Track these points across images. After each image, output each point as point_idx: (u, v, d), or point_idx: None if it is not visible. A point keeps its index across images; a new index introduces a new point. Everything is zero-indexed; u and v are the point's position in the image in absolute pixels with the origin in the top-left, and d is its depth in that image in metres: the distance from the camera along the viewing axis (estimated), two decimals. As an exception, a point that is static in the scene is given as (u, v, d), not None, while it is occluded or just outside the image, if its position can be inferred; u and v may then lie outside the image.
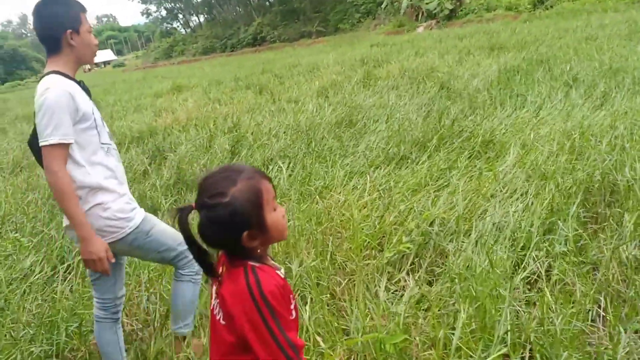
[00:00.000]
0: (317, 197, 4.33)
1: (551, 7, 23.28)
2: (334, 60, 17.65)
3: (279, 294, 1.35)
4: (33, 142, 2.15)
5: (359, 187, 4.61)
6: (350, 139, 6.48)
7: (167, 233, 2.42)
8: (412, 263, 3.15)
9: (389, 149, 5.68)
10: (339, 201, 4.13)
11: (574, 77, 7.22)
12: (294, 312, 1.41)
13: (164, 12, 75.32)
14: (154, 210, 4.42)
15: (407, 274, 3.05)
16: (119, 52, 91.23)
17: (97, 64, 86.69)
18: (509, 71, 8.99)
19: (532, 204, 3.47)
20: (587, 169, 3.85)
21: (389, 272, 3.11)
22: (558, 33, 13.86)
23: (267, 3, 59.73)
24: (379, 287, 2.81)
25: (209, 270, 1.43)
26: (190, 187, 4.75)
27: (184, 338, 2.63)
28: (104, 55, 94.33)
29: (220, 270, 1.44)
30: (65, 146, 2.07)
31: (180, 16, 77.27)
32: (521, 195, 3.76)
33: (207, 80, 17.97)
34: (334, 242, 3.44)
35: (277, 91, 12.05)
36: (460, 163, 4.86)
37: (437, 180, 4.69)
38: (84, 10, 2.23)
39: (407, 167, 5.18)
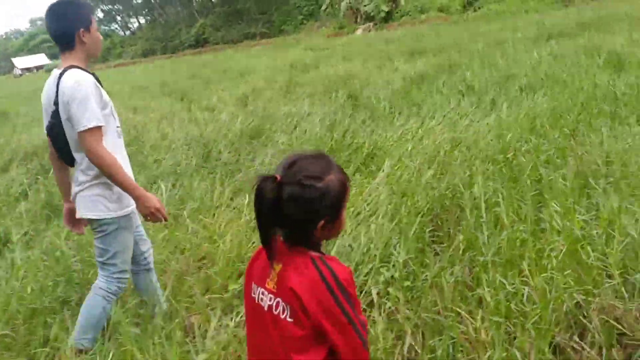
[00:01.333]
0: (188, 220, 4.24)
1: (479, 8, 23.92)
2: (266, 64, 17.60)
3: (352, 279, 1.40)
4: (54, 129, 2.47)
5: (239, 207, 4.55)
6: (249, 152, 6.44)
7: (130, 244, 2.67)
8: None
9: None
10: (209, 225, 4.04)
11: (469, 85, 7.41)
12: None
13: (100, 14, 73.09)
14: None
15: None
16: (54, 57, 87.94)
17: (28, 69, 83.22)
18: (418, 78, 9.16)
19: (382, 224, 3.51)
20: (447, 186, 3.93)
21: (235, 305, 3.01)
22: (474, 37, 14.23)
23: (210, 3, 58.94)
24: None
25: (270, 250, 1.41)
26: (58, 214, 4.57)
27: (81, 351, 2.62)
28: (37, 59, 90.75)
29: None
30: (100, 128, 2.37)
31: (119, 18, 75.37)
32: (381, 215, 3.79)
33: (132, 85, 17.53)
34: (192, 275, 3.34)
35: (197, 98, 11.88)
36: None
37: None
38: (92, 10, 2.57)
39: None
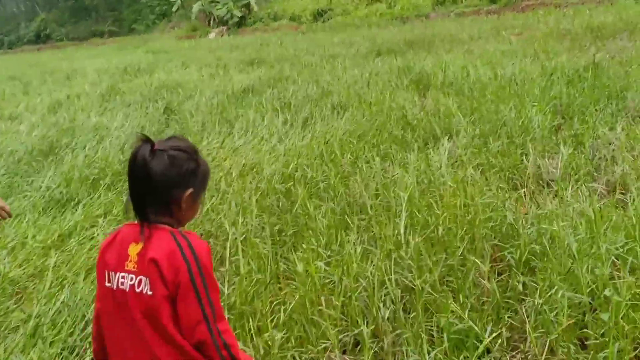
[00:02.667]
0: None
1: (328, 19, 24.52)
2: (99, 67, 16.36)
3: (209, 253, 1.50)
4: None
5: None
6: (32, 174, 5.71)
7: None
8: None
9: (60, 189, 5.06)
10: None
11: (285, 102, 7.31)
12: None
13: None
14: None
15: None
16: None
17: None
18: (244, 91, 8.92)
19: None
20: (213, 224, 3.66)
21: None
22: (315, 49, 14.42)
23: (55, -3, 54.16)
24: None
25: (142, 225, 1.48)
26: None
27: None
28: None
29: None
30: None
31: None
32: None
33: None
34: None
35: (5, 105, 10.58)
36: (118, 207, 4.43)
37: (85, 231, 4.21)
38: None
39: (73, 210, 4.63)
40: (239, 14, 29.61)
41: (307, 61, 12.15)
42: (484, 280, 2.78)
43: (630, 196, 3.79)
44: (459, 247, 3.02)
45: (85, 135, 7.07)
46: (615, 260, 2.78)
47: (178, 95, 9.28)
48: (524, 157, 4.55)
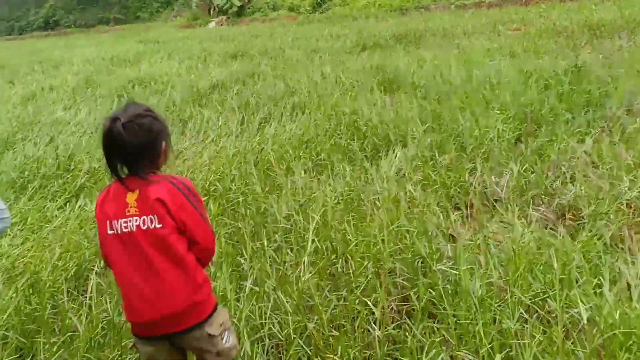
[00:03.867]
0: None
1: (327, 10, 23.98)
2: (89, 56, 16.07)
3: (191, 182, 1.97)
4: None
5: None
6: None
7: None
8: None
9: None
10: None
11: (245, 101, 6.92)
12: None
13: None
14: None
15: None
16: None
17: None
18: (211, 87, 8.54)
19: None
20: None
21: None
22: (300, 41, 13.99)
23: (63, -17, 53.87)
24: None
25: (122, 180, 1.85)
26: None
27: None
28: None
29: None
30: None
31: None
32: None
33: None
34: None
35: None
36: (50, 212, 4.09)
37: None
38: None
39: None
40: (239, 4, 29.14)
41: (288, 55, 11.73)
42: (373, 328, 2.39)
43: (579, 225, 3.39)
44: (358, 284, 2.65)
45: (42, 130, 6.73)
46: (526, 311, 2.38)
47: (147, 90, 8.93)
48: (474, 172, 4.15)
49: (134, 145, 1.78)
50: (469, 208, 3.79)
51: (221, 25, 29.30)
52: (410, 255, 2.85)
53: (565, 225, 3.41)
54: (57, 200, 4.35)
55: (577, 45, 9.40)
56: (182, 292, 1.82)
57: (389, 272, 2.81)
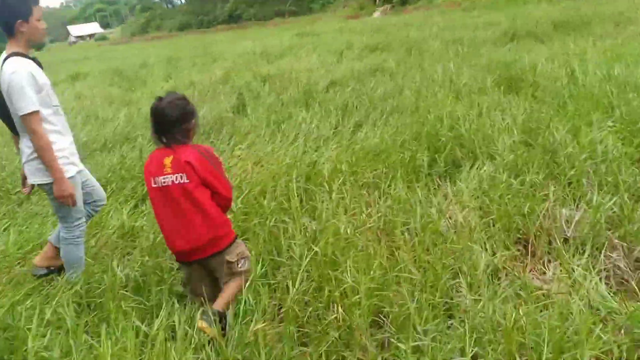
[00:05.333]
0: None
1: (494, -5, 22.33)
2: (244, 49, 17.05)
3: (213, 150, 2.57)
4: (1, 108, 2.91)
5: None
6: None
7: (78, 197, 3.03)
8: None
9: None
10: None
11: (345, 103, 6.62)
12: None
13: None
14: None
15: None
16: (107, 25, 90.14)
17: (82, 37, 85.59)
18: (331, 84, 8.39)
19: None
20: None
21: None
22: (447, 31, 13.17)
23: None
24: None
25: (167, 146, 2.50)
26: None
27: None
28: (90, 28, 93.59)
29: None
30: (38, 112, 2.78)
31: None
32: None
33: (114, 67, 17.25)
34: None
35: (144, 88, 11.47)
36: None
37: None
38: (35, 3, 2.88)
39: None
40: (403, -8, 28.63)
41: (426, 48, 11.08)
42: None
43: None
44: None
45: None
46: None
47: (269, 86, 9.09)
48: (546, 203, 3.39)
49: (171, 119, 2.44)
50: (531, 245, 3.12)
51: (385, 14, 29.09)
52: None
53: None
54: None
55: None
56: (203, 230, 2.45)
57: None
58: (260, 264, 2.99)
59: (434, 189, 3.92)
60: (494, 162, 4.05)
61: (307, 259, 2.74)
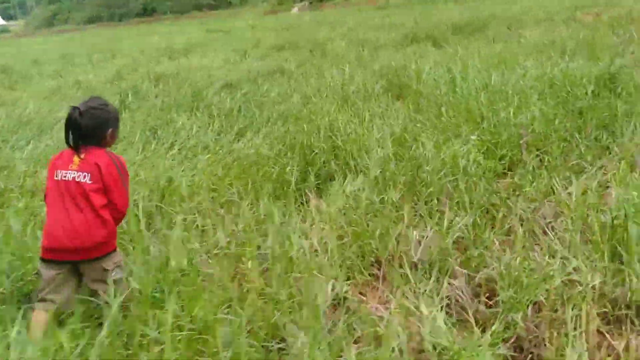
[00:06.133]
0: None
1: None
2: (146, 46, 16.36)
3: (124, 162, 2.62)
4: None
5: None
6: None
7: None
8: None
9: None
10: None
11: (231, 108, 6.36)
12: None
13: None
14: None
15: None
16: (10, 18, 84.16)
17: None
18: (223, 87, 8.07)
19: None
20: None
21: None
22: (355, 31, 13.19)
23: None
24: None
25: (77, 149, 2.47)
26: None
27: None
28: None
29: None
30: None
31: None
32: None
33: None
34: None
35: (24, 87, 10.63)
36: None
37: None
38: None
39: None
40: (320, -12, 28.64)
41: (331, 48, 11.01)
42: None
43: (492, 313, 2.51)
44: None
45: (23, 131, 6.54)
46: None
47: (162, 86, 8.65)
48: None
49: (86, 127, 2.43)
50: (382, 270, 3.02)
51: (303, 10, 28.99)
52: None
53: (479, 311, 2.54)
54: None
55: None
56: (98, 232, 2.42)
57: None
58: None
59: (299, 206, 3.76)
60: (367, 176, 3.93)
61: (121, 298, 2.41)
